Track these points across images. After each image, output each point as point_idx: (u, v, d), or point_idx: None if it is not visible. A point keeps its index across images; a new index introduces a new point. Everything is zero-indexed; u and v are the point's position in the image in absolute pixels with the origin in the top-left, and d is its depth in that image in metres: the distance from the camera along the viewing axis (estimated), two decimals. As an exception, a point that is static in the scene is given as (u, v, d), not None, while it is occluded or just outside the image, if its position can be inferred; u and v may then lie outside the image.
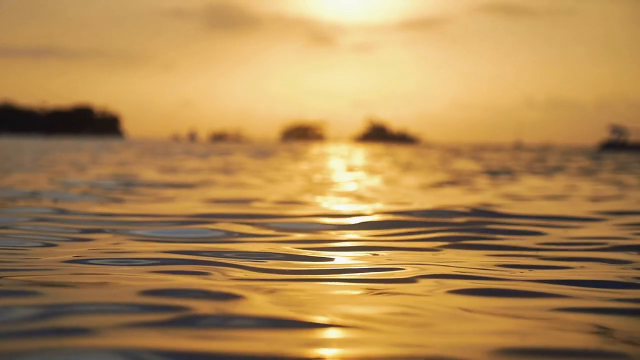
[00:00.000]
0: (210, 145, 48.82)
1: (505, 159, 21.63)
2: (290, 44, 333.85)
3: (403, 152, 32.53)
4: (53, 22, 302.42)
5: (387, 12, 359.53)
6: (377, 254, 2.98)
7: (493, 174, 11.51)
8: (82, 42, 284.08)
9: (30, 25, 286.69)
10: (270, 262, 2.75)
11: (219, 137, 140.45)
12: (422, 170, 12.57)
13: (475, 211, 4.73)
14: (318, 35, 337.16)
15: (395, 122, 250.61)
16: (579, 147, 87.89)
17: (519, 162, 18.98)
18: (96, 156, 17.06)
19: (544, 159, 22.19)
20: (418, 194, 6.55)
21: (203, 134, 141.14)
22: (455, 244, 3.33)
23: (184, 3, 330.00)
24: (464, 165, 16.08)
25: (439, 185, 8.26)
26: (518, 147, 75.20)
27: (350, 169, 13.10)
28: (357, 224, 4.03)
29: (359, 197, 6.05)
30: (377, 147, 55.06)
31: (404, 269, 2.61)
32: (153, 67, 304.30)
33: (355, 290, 2.24)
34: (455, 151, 37.73)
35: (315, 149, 40.68)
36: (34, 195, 5.61)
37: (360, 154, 28.40)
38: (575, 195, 6.95)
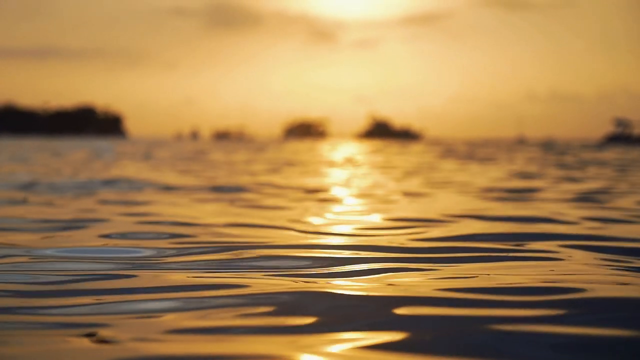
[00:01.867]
0: (215, 143, 48.80)
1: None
2: (291, 41, 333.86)
3: (411, 151, 32.44)
4: (54, 23, 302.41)
5: (387, 8, 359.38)
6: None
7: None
8: (83, 42, 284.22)
9: (31, 25, 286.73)
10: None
11: (221, 135, 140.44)
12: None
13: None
14: (319, 32, 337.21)
15: (397, 117, 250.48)
16: (582, 140, 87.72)
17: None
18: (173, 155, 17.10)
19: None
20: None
21: (206, 132, 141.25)
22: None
23: (185, 1, 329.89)
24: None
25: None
26: (521, 141, 74.13)
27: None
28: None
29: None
30: (381, 144, 54.97)
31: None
32: (155, 66, 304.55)
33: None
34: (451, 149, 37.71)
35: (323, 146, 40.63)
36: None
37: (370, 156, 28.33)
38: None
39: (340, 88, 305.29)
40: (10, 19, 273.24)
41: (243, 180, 8.65)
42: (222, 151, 24.66)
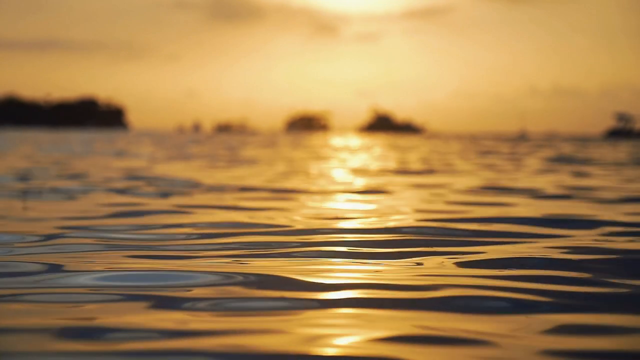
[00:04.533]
0: (217, 135, 48.64)
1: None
2: (293, 34, 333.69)
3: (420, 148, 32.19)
4: (57, 15, 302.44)
5: (390, 1, 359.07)
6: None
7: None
8: (86, 35, 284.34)
9: (34, 18, 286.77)
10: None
11: (223, 128, 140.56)
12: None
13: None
14: (322, 26, 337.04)
15: (399, 111, 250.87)
16: (584, 135, 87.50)
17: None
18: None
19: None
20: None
21: (207, 125, 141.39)
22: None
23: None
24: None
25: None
26: (522, 137, 71.38)
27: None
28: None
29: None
30: (384, 139, 54.88)
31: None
32: (157, 58, 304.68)
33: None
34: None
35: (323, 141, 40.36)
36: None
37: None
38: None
39: (342, 81, 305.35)
40: (14, 11, 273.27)
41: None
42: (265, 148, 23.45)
